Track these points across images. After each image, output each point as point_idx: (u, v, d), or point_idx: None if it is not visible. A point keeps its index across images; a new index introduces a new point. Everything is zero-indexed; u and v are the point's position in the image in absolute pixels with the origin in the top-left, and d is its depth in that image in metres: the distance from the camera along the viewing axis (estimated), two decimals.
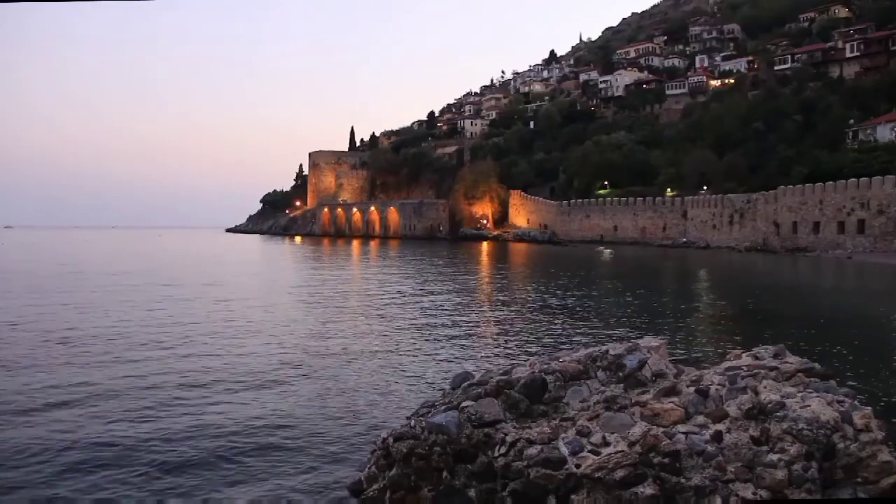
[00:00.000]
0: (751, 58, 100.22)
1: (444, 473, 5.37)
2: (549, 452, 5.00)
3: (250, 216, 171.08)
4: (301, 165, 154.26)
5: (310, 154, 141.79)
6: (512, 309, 23.53)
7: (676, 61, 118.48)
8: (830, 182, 57.54)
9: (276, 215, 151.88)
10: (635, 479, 4.75)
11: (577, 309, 23.05)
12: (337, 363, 14.09)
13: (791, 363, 5.65)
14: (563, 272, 41.09)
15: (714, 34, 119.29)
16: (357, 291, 30.78)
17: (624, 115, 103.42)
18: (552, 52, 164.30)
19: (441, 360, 14.33)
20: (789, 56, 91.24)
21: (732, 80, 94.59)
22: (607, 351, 5.91)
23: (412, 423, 5.74)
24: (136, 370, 13.16)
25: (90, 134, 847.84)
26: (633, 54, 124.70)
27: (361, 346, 16.06)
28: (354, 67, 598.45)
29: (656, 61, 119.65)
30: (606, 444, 4.97)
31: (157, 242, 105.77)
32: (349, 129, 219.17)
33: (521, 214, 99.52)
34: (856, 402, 5.06)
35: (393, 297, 27.17)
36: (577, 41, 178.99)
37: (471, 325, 19.70)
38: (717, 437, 4.84)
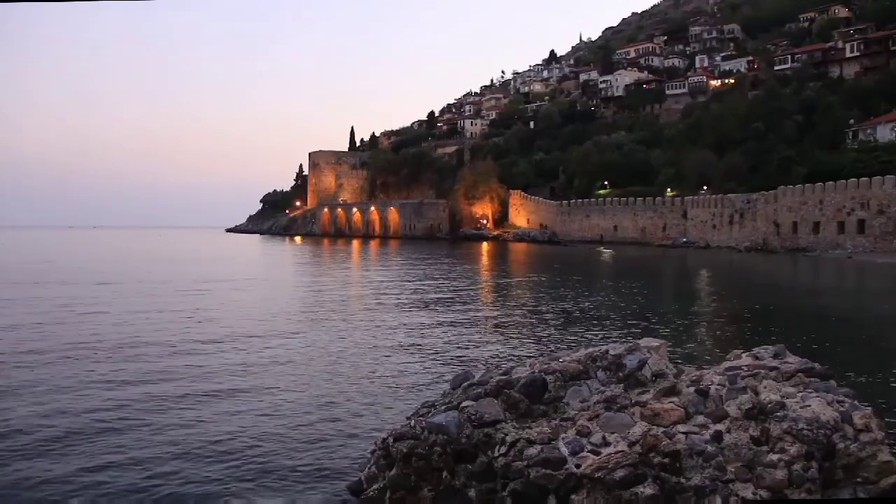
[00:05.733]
0: (751, 58, 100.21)
1: (444, 473, 5.37)
2: (549, 452, 5.00)
3: (250, 216, 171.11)
4: (301, 165, 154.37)
5: (310, 154, 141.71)
6: (512, 309, 23.52)
7: (676, 61, 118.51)
8: (830, 182, 57.58)
9: (276, 215, 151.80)
10: (635, 479, 4.75)
11: (577, 309, 23.04)
12: (337, 363, 14.08)
13: (791, 363, 5.64)
14: (563, 272, 41.09)
15: (714, 34, 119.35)
16: (356, 291, 30.79)
17: (624, 115, 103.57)
18: (552, 52, 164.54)
19: (441, 360, 14.32)
20: (789, 56, 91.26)
21: (732, 80, 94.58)
22: (607, 351, 5.91)
23: (412, 423, 5.73)
24: (130, 371, 13.16)
25: (87, 132, 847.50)
26: (633, 54, 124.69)
27: (361, 346, 16.06)
28: (354, 67, 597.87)
29: (656, 61, 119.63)
30: (606, 444, 4.97)
31: (158, 242, 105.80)
32: (349, 129, 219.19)
33: (521, 214, 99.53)
34: (856, 402, 5.06)
35: (393, 297, 27.17)
36: (577, 41, 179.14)
37: (471, 324, 19.70)
38: (717, 437, 4.84)
